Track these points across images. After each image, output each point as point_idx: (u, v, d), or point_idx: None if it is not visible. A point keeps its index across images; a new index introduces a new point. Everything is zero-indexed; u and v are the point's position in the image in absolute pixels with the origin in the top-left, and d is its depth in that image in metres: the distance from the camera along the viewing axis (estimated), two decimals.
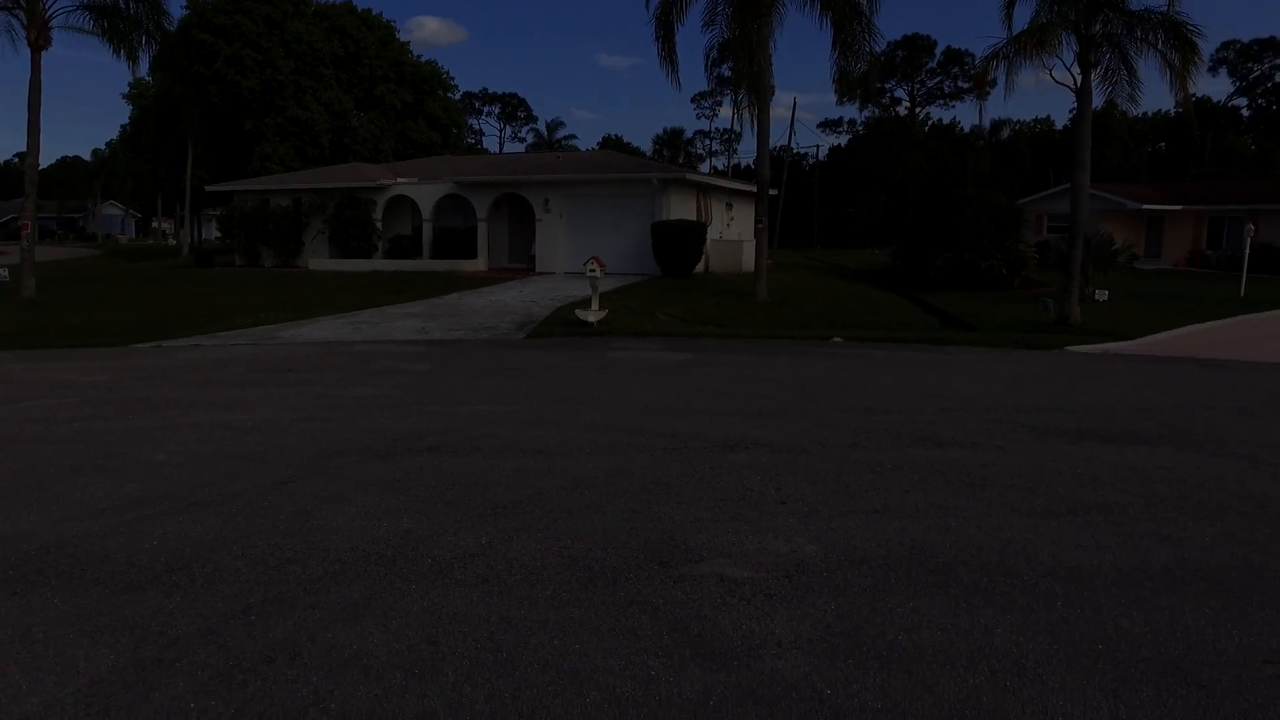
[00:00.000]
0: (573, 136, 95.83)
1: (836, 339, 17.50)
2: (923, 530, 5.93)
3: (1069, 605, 4.76)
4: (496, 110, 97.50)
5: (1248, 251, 29.06)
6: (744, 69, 21.54)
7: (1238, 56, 69.13)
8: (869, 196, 69.15)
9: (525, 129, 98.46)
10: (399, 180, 33.78)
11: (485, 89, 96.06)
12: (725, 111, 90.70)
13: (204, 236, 58.98)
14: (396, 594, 4.90)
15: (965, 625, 4.51)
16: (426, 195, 32.91)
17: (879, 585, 5.01)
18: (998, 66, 19.17)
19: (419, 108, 54.95)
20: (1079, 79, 18.84)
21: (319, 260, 33.63)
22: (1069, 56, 18.84)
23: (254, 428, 9.03)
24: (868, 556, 5.44)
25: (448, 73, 59.47)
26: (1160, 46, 18.35)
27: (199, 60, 47.15)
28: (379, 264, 32.61)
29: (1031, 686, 3.93)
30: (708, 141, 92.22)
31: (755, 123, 23.39)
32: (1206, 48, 19.65)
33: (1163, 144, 71.21)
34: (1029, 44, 18.11)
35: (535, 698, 3.84)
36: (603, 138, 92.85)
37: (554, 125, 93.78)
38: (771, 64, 22.29)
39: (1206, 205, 42.07)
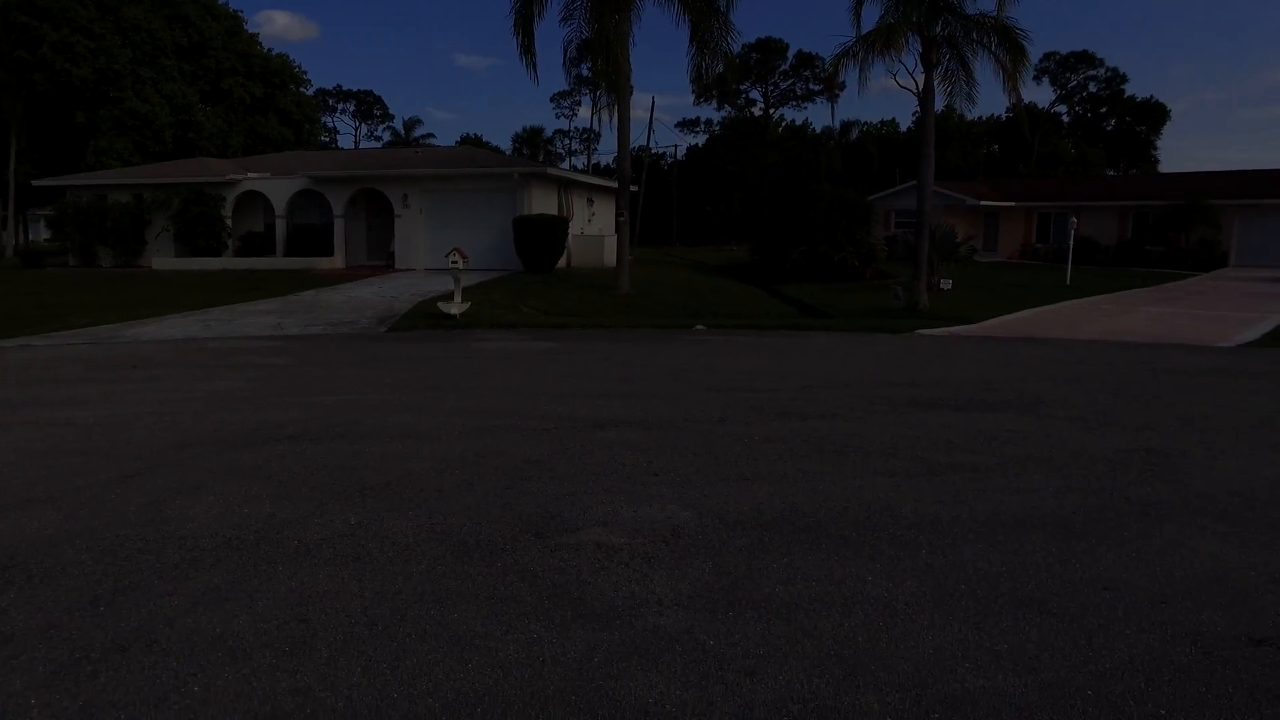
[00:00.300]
0: (430, 135, 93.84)
1: (699, 327, 17.75)
2: (792, 494, 6.06)
3: (933, 552, 4.95)
4: (351, 108, 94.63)
5: (1072, 244, 31.14)
6: (603, 61, 21.57)
7: (1058, 67, 73.95)
8: (726, 195, 70.54)
9: (381, 127, 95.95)
10: (250, 175, 32.34)
11: (339, 86, 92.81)
12: (584, 113, 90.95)
13: (31, 238, 54.84)
14: (262, 577, 4.66)
15: (838, 575, 4.63)
16: (280, 191, 31.64)
17: (754, 544, 5.08)
18: (848, 65, 19.85)
19: (270, 102, 52.77)
20: (922, 81, 19.75)
21: (164, 259, 31.85)
22: (912, 62, 19.74)
23: (96, 424, 8.45)
24: (741, 519, 5.51)
25: (300, 67, 57.34)
26: (994, 49, 19.41)
27: (21, 45, 43.79)
28: (230, 262, 31.13)
29: (903, 625, 4.06)
30: (567, 141, 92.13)
31: (615, 115, 23.49)
32: (1033, 55, 20.83)
33: (996, 146, 75.47)
34: (878, 42, 18.84)
35: (416, 666, 3.71)
36: (461, 137, 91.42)
37: (411, 124, 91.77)
38: (630, 59, 22.41)
39: (1036, 202, 44.79)
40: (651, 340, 15.65)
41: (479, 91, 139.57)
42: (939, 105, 20.68)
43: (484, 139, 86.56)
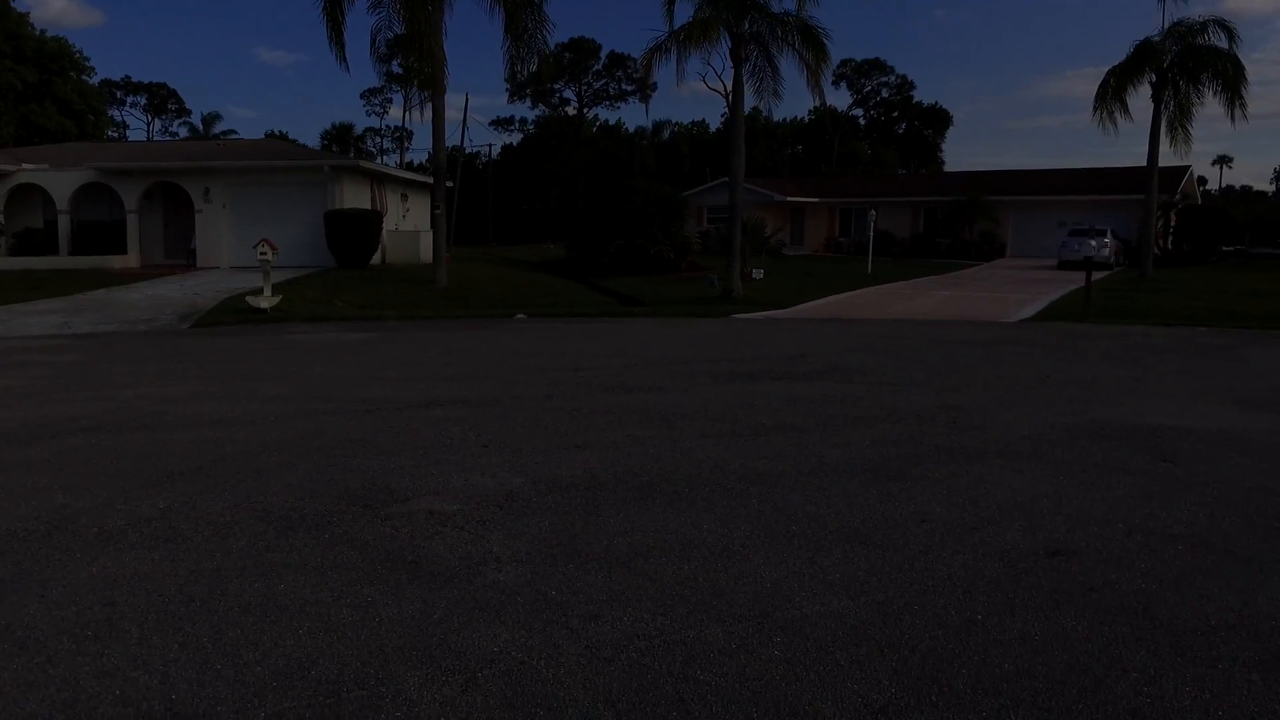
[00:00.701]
0: (232, 131, 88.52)
1: (520, 315, 17.61)
2: (623, 457, 6.07)
3: (763, 501, 5.07)
4: (143, 101, 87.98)
5: (872, 237, 32.95)
6: (416, 50, 21.00)
7: (854, 73, 78.13)
8: (542, 193, 70.34)
9: (177, 122, 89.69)
10: (25, 167, 29.49)
11: (129, 78, 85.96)
12: (396, 112, 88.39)
13: None
14: (56, 565, 4.23)
15: (674, 525, 4.66)
16: (62, 184, 29.02)
17: (589, 503, 5.05)
18: (662, 60, 20.18)
19: (46, 89, 48.28)
20: (732, 78, 20.37)
21: None
22: (720, 64, 20.33)
23: None
24: (574, 483, 5.47)
25: (81, 52, 52.81)
26: (797, 47, 20.21)
27: None
28: (3, 262, 28.33)
29: (740, 564, 4.13)
30: (379, 139, 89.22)
31: (430, 105, 22.92)
32: (832, 61, 21.81)
33: (800, 147, 78.93)
34: (694, 35, 19.24)
35: (240, 638, 3.45)
36: (265, 133, 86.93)
37: (210, 119, 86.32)
38: (444, 50, 21.92)
39: (838, 199, 47.12)
40: (473, 329, 15.39)
41: (284, 88, 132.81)
42: (748, 101, 21.34)
43: (291, 137, 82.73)
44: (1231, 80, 25.35)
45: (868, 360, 10.98)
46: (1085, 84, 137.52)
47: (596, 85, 77.70)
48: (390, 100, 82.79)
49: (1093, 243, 31.50)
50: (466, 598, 3.77)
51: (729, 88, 20.50)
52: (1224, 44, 25.74)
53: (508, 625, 3.50)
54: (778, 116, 73.23)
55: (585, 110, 78.68)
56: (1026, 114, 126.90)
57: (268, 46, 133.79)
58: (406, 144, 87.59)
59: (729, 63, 20.39)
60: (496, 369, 10.44)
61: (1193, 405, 8.13)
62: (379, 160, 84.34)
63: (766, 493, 5.22)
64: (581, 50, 73.89)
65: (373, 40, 23.24)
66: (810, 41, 20.06)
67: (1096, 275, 20.70)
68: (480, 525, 4.68)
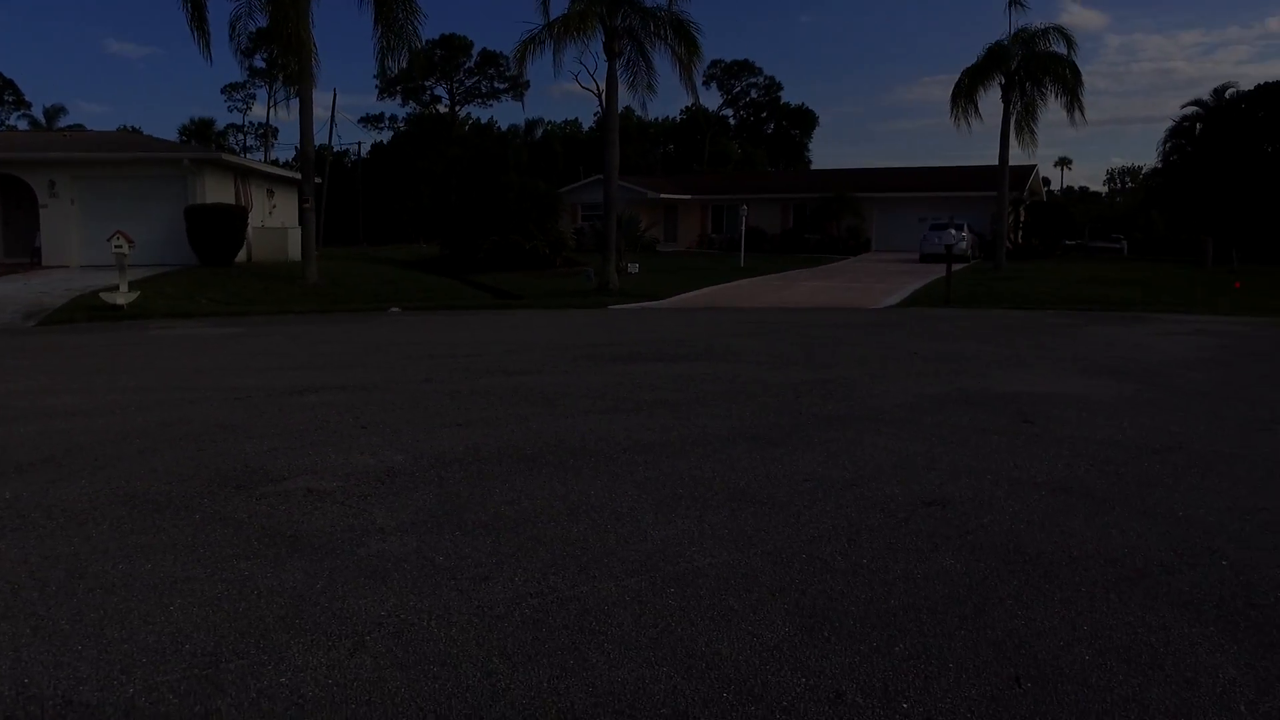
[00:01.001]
0: (80, 126, 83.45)
1: (394, 309, 17.20)
2: (507, 433, 5.98)
3: (649, 468, 5.08)
4: None
5: (744, 232, 33.61)
6: (283, 38, 20.19)
7: (724, 74, 79.52)
8: (414, 192, 68.81)
9: (15, 115, 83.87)
10: None
11: None
12: (260, 110, 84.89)
13: None
14: None
15: (561, 492, 4.62)
16: None
17: (474, 476, 4.95)
18: (537, 53, 20.05)
19: None
20: (605, 80, 20.39)
21: None
22: (592, 63, 20.38)
23: None
24: (459, 457, 5.35)
25: None
26: (670, 41, 20.41)
27: None
28: None
29: (629, 524, 4.11)
30: (242, 136, 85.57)
31: (296, 97, 22.12)
32: (702, 63, 22.13)
33: (672, 146, 79.74)
34: (570, 26, 19.18)
35: (102, 618, 3.22)
36: (118, 129, 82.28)
37: (53, 112, 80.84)
38: (313, 38, 21.14)
39: (710, 195, 47.85)
40: (346, 322, 14.94)
41: (137, 82, 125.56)
42: (623, 97, 21.43)
43: (146, 133, 78.45)
44: (1070, 84, 26.95)
45: (744, 343, 11.17)
46: (940, 89, 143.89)
47: (469, 83, 76.63)
48: (254, 96, 79.61)
49: (953, 231, 32.92)
50: (350, 566, 3.63)
51: (601, 87, 20.56)
52: (1064, 50, 27.36)
53: (395, 590, 3.39)
54: (651, 115, 73.86)
55: (457, 108, 77.51)
56: (887, 117, 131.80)
57: (118, 38, 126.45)
58: (272, 141, 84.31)
59: (603, 59, 20.47)
60: (372, 357, 10.15)
61: (1046, 375, 8.58)
62: (243, 157, 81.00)
63: (652, 460, 5.23)
64: (453, 47, 72.72)
65: (232, 29, 22.22)
66: (682, 36, 20.30)
67: (955, 267, 21.64)
68: (362, 500, 4.52)
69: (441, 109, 77.07)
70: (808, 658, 2.82)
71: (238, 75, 75.61)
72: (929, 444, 5.63)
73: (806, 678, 2.69)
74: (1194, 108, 41.43)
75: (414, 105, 76.27)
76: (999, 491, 4.59)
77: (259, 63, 62.66)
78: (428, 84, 73.40)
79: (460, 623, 3.10)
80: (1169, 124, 45.52)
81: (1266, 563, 3.61)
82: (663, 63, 21.12)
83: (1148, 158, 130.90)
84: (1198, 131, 40.50)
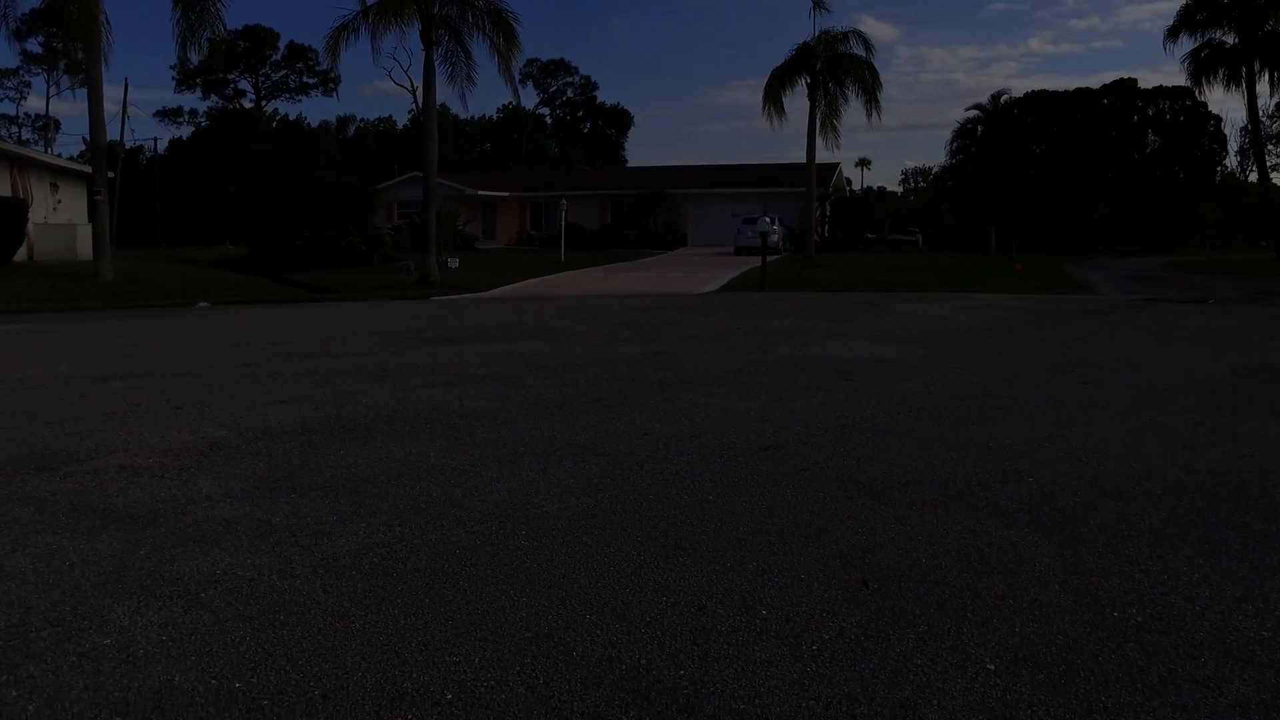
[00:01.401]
0: None
1: (203, 304, 16.19)
2: (336, 408, 5.73)
3: (488, 431, 4.99)
4: None
5: (563, 227, 33.67)
6: (66, 14, 18.54)
7: (540, 73, 79.34)
8: (218, 190, 64.87)
9: None
10: None
11: None
12: (37, 102, 77.48)
13: None
14: None
15: (399, 455, 4.47)
16: None
17: (305, 445, 4.71)
18: (351, 41, 19.35)
19: None
20: (422, 71, 19.94)
21: None
22: (406, 59, 19.84)
23: None
24: (287, 430, 5.08)
25: None
26: (488, 31, 20.17)
27: None
28: None
29: (474, 480, 4.03)
30: (16, 129, 78.08)
31: (82, 86, 20.38)
32: (520, 61, 22.01)
33: (489, 144, 78.90)
34: (387, 12, 18.59)
35: None
36: None
37: None
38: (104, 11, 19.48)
39: (529, 193, 47.63)
40: (149, 318, 13.92)
41: None
42: (441, 91, 21.01)
43: None
44: (869, 84, 28.61)
45: (573, 325, 11.19)
46: (748, 93, 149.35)
47: (275, 77, 72.94)
48: (29, 84, 72.72)
49: (767, 218, 34.17)
50: (176, 532, 3.37)
51: (417, 84, 20.23)
52: (863, 53, 29.00)
53: (229, 551, 3.17)
54: (468, 114, 72.84)
55: (263, 103, 73.66)
56: (699, 120, 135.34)
57: None
58: (53, 134, 77.34)
59: (420, 50, 19.99)
60: (182, 347, 9.51)
61: (860, 343, 9.05)
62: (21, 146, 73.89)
63: (490, 425, 5.14)
64: (258, 39, 68.96)
65: (3, 12, 20.20)
66: (501, 27, 20.12)
67: (769, 258, 22.51)
68: (184, 472, 4.21)
69: (246, 104, 73.09)
70: (666, 579, 2.84)
71: (10, 61, 68.81)
72: (760, 401, 5.82)
73: (667, 596, 2.71)
74: (975, 111, 44.93)
75: (216, 99, 71.93)
76: (829, 436, 4.79)
77: (34, 46, 57.48)
78: (231, 76, 69.43)
79: (304, 575, 2.94)
80: (955, 126, 49.10)
81: (1063, 478, 3.95)
82: (481, 55, 20.82)
83: (937, 158, 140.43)
84: (979, 134, 43.91)
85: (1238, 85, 29.94)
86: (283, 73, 72.40)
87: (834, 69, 28.91)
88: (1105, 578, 2.82)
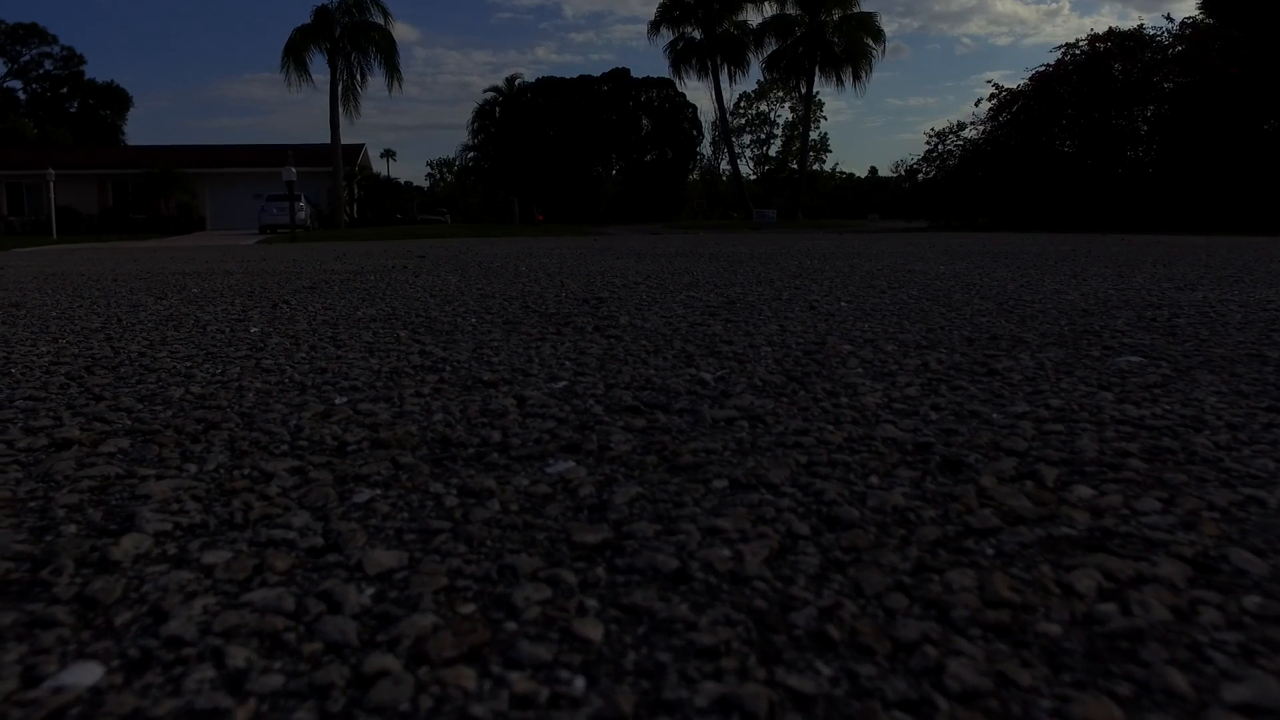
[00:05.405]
0: None
1: None
2: None
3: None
4: None
5: (54, 210, 27.99)
6: None
7: (6, 39, 64.72)
8: None
9: None
10: None
11: None
12: None
13: None
14: None
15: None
16: None
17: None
18: None
19: None
20: None
21: None
22: None
23: None
24: None
25: None
26: None
27: None
28: None
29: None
30: None
31: None
32: None
33: None
34: None
35: None
36: None
37: None
38: None
39: (4, 172, 38.77)
40: None
41: None
42: None
43: None
44: (389, 52, 27.44)
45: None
46: (263, 88, 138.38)
47: None
48: None
49: (299, 197, 31.38)
50: None
51: None
52: (381, 21, 27.74)
53: None
54: None
55: None
56: (210, 114, 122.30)
57: None
58: None
59: None
60: None
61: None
62: None
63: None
64: None
65: None
66: None
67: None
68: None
69: None
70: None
71: None
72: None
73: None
74: (493, 94, 45.70)
75: None
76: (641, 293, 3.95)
77: None
78: None
79: None
80: (475, 107, 49.64)
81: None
82: None
83: (454, 149, 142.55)
84: (498, 115, 44.78)
85: (706, 76, 33.84)
86: None
87: (355, 36, 27.33)
88: None
